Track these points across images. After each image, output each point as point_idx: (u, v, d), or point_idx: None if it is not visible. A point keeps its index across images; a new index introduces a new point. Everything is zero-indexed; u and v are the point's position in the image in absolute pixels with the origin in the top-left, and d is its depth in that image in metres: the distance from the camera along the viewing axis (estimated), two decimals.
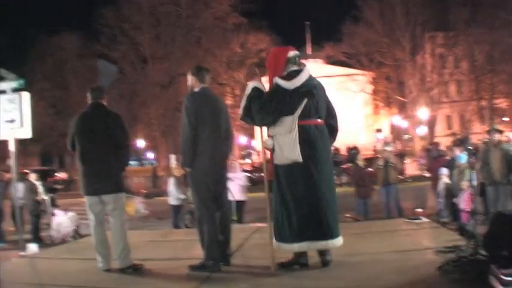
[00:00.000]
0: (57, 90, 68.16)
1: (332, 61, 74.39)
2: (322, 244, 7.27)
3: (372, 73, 65.72)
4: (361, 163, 19.38)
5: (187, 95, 8.11)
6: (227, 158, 8.47)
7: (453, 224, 15.38)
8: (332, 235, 7.27)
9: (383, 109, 75.23)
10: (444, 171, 17.32)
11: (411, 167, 42.22)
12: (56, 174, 56.84)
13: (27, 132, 13.71)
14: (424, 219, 11.53)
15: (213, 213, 7.83)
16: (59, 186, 50.94)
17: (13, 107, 13.40)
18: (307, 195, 7.23)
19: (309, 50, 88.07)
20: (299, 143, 7.16)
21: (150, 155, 78.65)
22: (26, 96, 13.51)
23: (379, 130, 79.95)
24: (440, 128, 63.43)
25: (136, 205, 21.62)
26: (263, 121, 7.46)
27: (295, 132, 7.18)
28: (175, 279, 7.57)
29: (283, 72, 7.48)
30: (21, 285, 7.69)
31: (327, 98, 7.74)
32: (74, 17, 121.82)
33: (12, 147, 13.57)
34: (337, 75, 71.69)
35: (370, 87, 69.37)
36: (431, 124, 58.49)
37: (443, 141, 35.67)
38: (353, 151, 39.23)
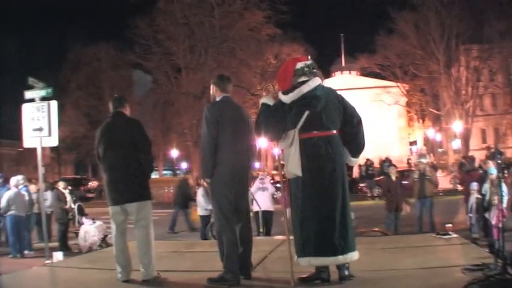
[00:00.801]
0: (91, 99, 68.90)
1: (366, 73, 74.14)
2: (324, 260, 7.09)
3: (406, 85, 65.27)
4: (393, 175, 19.03)
5: (208, 104, 8.07)
6: (249, 169, 8.23)
7: (484, 240, 15.12)
8: (343, 250, 7.05)
9: (417, 122, 74.80)
10: (475, 186, 17.01)
11: (444, 181, 41.76)
12: (89, 183, 56.96)
13: (54, 141, 13.79)
14: (454, 235, 11.22)
15: (232, 225, 7.68)
16: (91, 195, 51.46)
17: (41, 116, 13.46)
18: (315, 210, 7.08)
19: (343, 62, 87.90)
20: (302, 157, 7.06)
21: (184, 165, 78.68)
22: (54, 104, 13.59)
23: (413, 143, 79.52)
24: (474, 142, 62.65)
25: None
26: (268, 136, 7.46)
27: (297, 146, 7.09)
28: None
29: (291, 84, 7.38)
30: None
31: (345, 106, 7.46)
32: (109, 27, 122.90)
33: (39, 155, 13.59)
34: (372, 87, 71.48)
35: (404, 100, 68.96)
36: (465, 137, 57.77)
37: (478, 155, 35.32)
38: (385, 163, 39.06)
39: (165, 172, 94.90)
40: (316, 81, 7.34)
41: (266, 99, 7.56)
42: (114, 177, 8.11)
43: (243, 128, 7.86)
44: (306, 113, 7.10)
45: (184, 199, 23.92)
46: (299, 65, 7.44)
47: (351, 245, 7.13)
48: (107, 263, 9.11)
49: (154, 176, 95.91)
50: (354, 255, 7.16)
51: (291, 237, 7.46)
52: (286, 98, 7.24)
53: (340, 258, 7.06)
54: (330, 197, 7.08)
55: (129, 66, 69.10)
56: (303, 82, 7.30)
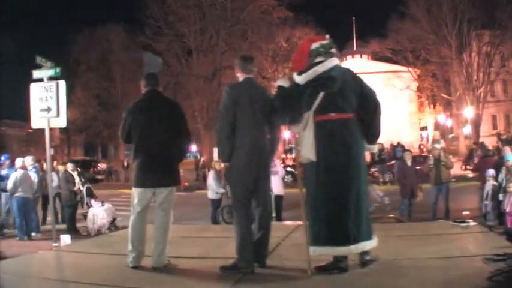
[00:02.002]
0: (101, 81, 68.99)
1: (378, 57, 73.89)
2: (341, 250, 6.87)
3: (417, 70, 64.92)
4: (408, 161, 18.72)
5: (227, 86, 7.73)
6: (270, 154, 7.74)
7: (499, 227, 14.86)
8: (355, 239, 6.84)
9: (428, 107, 74.55)
10: (491, 172, 16.75)
11: (456, 167, 41.48)
12: (98, 164, 56.98)
13: (62, 122, 13.57)
14: (472, 223, 10.96)
15: (248, 212, 7.39)
16: (100, 177, 51.41)
17: (49, 96, 13.23)
18: (328, 197, 6.85)
19: (354, 46, 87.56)
20: (317, 140, 6.84)
21: (193, 148, 78.72)
22: (62, 84, 13.35)
23: (423, 128, 79.32)
24: (485, 128, 62.35)
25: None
26: (285, 119, 7.23)
27: (311, 129, 6.86)
28: (205, 279, 7.20)
29: (306, 65, 7.15)
30: (43, 280, 7.40)
31: (363, 88, 7.20)
32: (120, 8, 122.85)
33: (47, 136, 13.36)
34: (383, 72, 71.15)
35: (415, 85, 68.66)
36: (476, 123, 57.42)
37: (488, 141, 35.04)
38: (398, 148, 38.70)
39: None
40: (332, 62, 7.10)
41: (282, 82, 7.35)
42: (151, 160, 7.76)
43: (265, 111, 7.43)
44: (321, 94, 6.87)
45: None
46: (314, 45, 7.22)
47: (364, 234, 6.91)
48: (116, 247, 8.90)
49: None
50: (366, 245, 6.94)
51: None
52: (300, 79, 7.02)
53: (352, 248, 6.84)
54: (343, 184, 6.84)
55: (139, 48, 68.96)
56: (319, 63, 7.06)
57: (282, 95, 7.15)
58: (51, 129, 13.57)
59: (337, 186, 6.81)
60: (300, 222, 11.34)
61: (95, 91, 69.01)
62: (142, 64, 78.81)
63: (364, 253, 7.04)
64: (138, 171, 7.85)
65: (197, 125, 56.71)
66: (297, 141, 7.19)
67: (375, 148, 7.66)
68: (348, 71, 7.27)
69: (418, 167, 19.46)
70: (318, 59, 7.10)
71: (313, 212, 6.99)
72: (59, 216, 19.56)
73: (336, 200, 6.79)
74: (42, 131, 13.49)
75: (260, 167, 7.44)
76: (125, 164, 51.76)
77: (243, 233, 7.30)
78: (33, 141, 57.70)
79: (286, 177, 18.76)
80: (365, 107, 7.12)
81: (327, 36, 7.42)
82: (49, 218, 17.63)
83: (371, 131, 7.23)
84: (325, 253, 6.92)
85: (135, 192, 7.86)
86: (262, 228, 7.47)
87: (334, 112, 6.90)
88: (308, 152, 6.86)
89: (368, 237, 6.96)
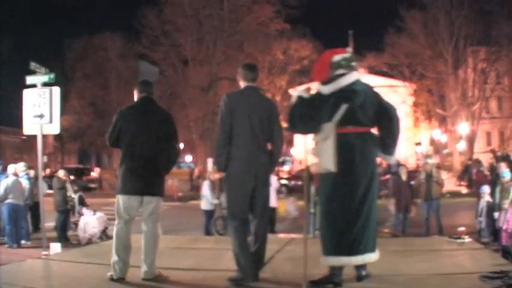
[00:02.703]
0: (97, 89, 68.86)
1: (374, 71, 73.95)
2: (347, 260, 6.83)
3: (413, 85, 64.94)
4: (403, 175, 18.73)
5: (225, 94, 7.58)
6: (269, 166, 7.56)
7: (494, 244, 14.81)
8: (362, 250, 6.81)
9: (423, 122, 74.53)
10: (486, 189, 16.71)
11: (450, 183, 41.51)
12: (91, 173, 56.88)
13: (55, 128, 13.47)
14: (467, 239, 10.93)
15: (242, 225, 7.24)
16: (93, 185, 51.21)
17: (42, 102, 13.12)
18: (341, 207, 6.82)
19: None
20: (336, 152, 6.75)
21: (189, 158, 78.63)
22: (56, 91, 13.23)
23: (418, 143, 79.29)
24: (479, 144, 62.44)
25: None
26: (304, 129, 7.15)
27: (332, 140, 6.78)
28: None
29: (327, 77, 7.08)
30: None
31: (381, 101, 7.22)
32: (116, 17, 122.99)
33: (39, 143, 13.25)
34: (379, 86, 71.03)
35: (411, 99, 68.67)
36: (471, 139, 57.55)
37: (482, 158, 35.06)
38: (392, 163, 38.63)
39: None
40: (354, 76, 7.10)
41: (300, 92, 7.23)
42: (138, 167, 7.58)
43: (264, 121, 7.30)
44: (344, 106, 6.85)
45: None
46: (336, 57, 7.17)
47: (370, 246, 6.89)
48: (106, 257, 8.67)
49: None
50: (371, 257, 6.92)
51: (309, 236, 7.13)
52: (325, 89, 6.99)
53: (359, 259, 6.83)
54: (358, 196, 6.84)
55: (136, 57, 68.74)
56: (340, 75, 7.03)
57: (303, 104, 7.06)
58: (44, 136, 13.45)
59: (353, 198, 6.80)
60: (293, 235, 11.28)
61: (90, 99, 68.87)
62: (138, 73, 78.77)
63: (360, 267, 7.01)
64: (124, 177, 7.66)
65: (192, 135, 56.69)
66: (313, 152, 7.03)
67: (392, 158, 7.62)
68: (368, 86, 7.29)
69: (412, 182, 19.45)
70: (339, 72, 7.07)
71: (325, 221, 6.98)
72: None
73: (350, 210, 6.79)
74: (35, 137, 13.36)
75: (258, 178, 7.26)
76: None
77: (239, 244, 7.15)
78: (26, 148, 57.65)
79: (282, 189, 18.62)
80: (382, 120, 7.16)
81: (349, 49, 7.36)
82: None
83: (388, 142, 7.24)
84: (332, 263, 6.88)
85: (120, 199, 7.66)
86: (258, 240, 7.32)
87: (354, 125, 6.92)
88: (328, 163, 6.79)
89: (373, 250, 6.96)
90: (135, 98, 8.11)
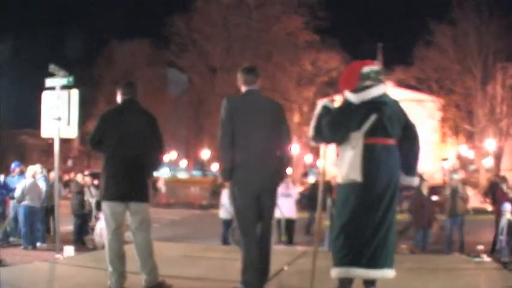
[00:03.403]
0: None
1: (402, 85, 73.61)
2: (368, 273, 6.58)
3: (441, 100, 64.50)
4: (425, 190, 18.40)
5: (224, 99, 7.26)
6: (277, 173, 7.25)
7: None
8: (383, 265, 6.57)
9: (450, 138, 74.02)
10: (508, 206, 16.39)
11: (475, 199, 41.04)
12: None
13: (73, 132, 13.39)
14: (485, 258, 10.63)
15: (251, 234, 6.97)
16: None
17: (61, 105, 13.06)
18: (364, 219, 6.60)
19: None
20: (362, 162, 6.58)
21: (215, 166, 78.71)
22: (74, 93, 13.16)
23: (445, 159, 78.76)
24: (506, 161, 61.78)
25: None
26: (332, 137, 6.88)
27: (359, 150, 6.63)
28: None
29: (355, 87, 6.92)
30: None
31: (406, 119, 7.09)
32: (146, 24, 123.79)
33: (56, 146, 13.20)
34: (407, 100, 70.72)
35: (438, 114, 68.21)
36: (498, 156, 57.05)
37: (509, 175, 34.60)
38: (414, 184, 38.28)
39: (194, 173, 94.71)
40: (382, 88, 6.98)
41: (327, 102, 7.07)
42: (123, 171, 7.35)
43: (269, 124, 7.08)
44: (373, 116, 6.70)
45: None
46: (366, 69, 7.02)
47: (389, 261, 6.66)
48: None
49: (183, 175, 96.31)
50: (390, 273, 6.66)
51: (319, 248, 6.92)
52: (355, 98, 6.80)
53: (379, 273, 6.59)
54: (380, 208, 6.65)
55: (164, 64, 69.32)
56: (369, 86, 6.89)
57: (332, 113, 6.89)
58: (70, 140, 13.41)
59: (375, 208, 6.62)
60: (307, 248, 11.06)
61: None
62: (167, 81, 79.14)
63: (370, 284, 6.74)
64: (106, 182, 7.46)
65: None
66: (336, 162, 6.82)
67: (415, 181, 7.36)
68: (395, 100, 7.16)
69: (434, 198, 19.14)
70: (367, 83, 6.93)
71: (342, 232, 6.72)
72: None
73: (371, 222, 6.61)
74: (61, 140, 13.30)
75: (263, 186, 7.01)
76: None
77: (246, 255, 6.91)
78: (52, 151, 57.91)
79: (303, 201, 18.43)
80: (407, 137, 7.04)
81: (378, 62, 7.22)
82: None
83: (409, 161, 7.09)
84: (350, 274, 6.64)
85: (106, 206, 7.48)
86: (262, 252, 7.03)
87: (382, 137, 6.76)
88: (354, 172, 6.61)
89: (391, 265, 6.71)
90: (118, 101, 7.97)
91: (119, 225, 7.46)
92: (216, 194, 47.06)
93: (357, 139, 6.64)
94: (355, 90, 6.85)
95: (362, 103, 6.74)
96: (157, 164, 7.94)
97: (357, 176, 6.56)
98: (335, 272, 6.63)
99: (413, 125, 7.15)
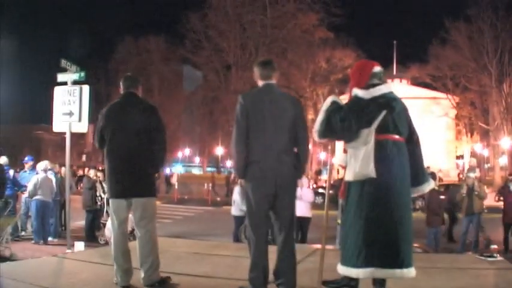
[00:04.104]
0: None
1: (417, 82, 73.28)
2: (389, 272, 6.41)
3: (456, 97, 64.28)
4: (437, 188, 18.23)
5: (240, 95, 7.03)
6: (295, 171, 6.95)
7: None
8: (403, 264, 6.40)
9: (465, 135, 73.72)
10: None
11: (490, 198, 40.76)
12: None
13: (83, 127, 13.35)
14: (498, 257, 10.47)
15: (262, 234, 6.80)
16: None
17: (72, 100, 13.08)
18: (380, 217, 6.45)
19: (395, 70, 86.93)
20: (374, 158, 6.48)
21: (229, 163, 78.69)
22: (86, 89, 13.20)
23: (460, 157, 78.42)
24: None
25: None
26: (345, 133, 6.71)
27: (371, 146, 6.51)
28: None
29: (364, 85, 6.86)
30: (35, 287, 7.07)
31: (409, 118, 7.00)
32: (161, 20, 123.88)
33: (68, 140, 13.22)
34: (422, 97, 70.49)
35: (453, 112, 67.99)
36: None
37: None
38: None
39: (209, 169, 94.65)
40: (389, 86, 6.95)
41: (335, 98, 6.98)
42: (122, 166, 7.25)
43: (285, 121, 6.82)
44: (384, 112, 6.61)
45: None
46: (377, 68, 7.01)
47: (406, 260, 6.45)
48: None
49: (198, 172, 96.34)
50: (406, 272, 6.46)
51: (327, 246, 6.81)
52: (366, 93, 6.73)
53: (405, 272, 6.42)
54: (399, 205, 6.52)
55: (179, 60, 69.45)
56: (377, 84, 6.87)
57: (345, 109, 6.77)
58: (84, 135, 13.45)
59: (393, 205, 6.48)
60: (318, 246, 10.96)
61: None
62: (181, 77, 79.19)
63: (379, 284, 6.65)
64: (110, 178, 7.41)
65: None
66: (347, 158, 6.70)
67: (428, 186, 7.14)
68: (399, 98, 7.06)
69: (442, 196, 19.01)
70: (375, 81, 6.92)
71: (360, 231, 6.53)
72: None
73: (391, 220, 6.46)
74: (76, 136, 13.31)
75: (278, 184, 6.76)
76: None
77: (255, 254, 6.76)
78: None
79: (316, 198, 18.28)
80: (411, 137, 6.95)
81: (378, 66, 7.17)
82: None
83: (416, 168, 6.90)
84: (370, 275, 6.51)
85: (111, 203, 7.47)
86: (284, 253, 6.83)
87: (392, 133, 6.68)
88: (368, 168, 6.49)
89: (412, 264, 6.53)
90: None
91: (122, 222, 7.38)
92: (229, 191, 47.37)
93: (368, 135, 6.55)
94: (365, 87, 6.80)
95: (372, 99, 6.70)
96: (160, 157, 7.62)
97: (370, 172, 6.44)
98: (357, 273, 6.48)
99: (415, 128, 7.06)
